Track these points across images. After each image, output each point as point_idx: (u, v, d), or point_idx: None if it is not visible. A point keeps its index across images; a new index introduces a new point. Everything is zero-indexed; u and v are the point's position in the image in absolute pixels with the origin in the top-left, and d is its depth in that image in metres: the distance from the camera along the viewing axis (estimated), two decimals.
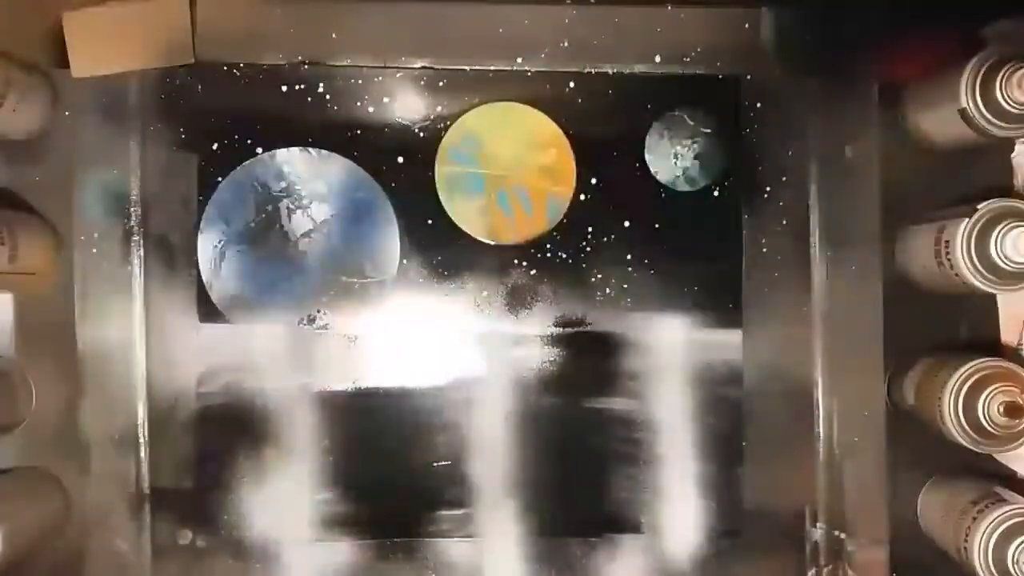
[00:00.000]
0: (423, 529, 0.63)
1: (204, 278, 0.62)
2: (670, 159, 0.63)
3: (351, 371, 0.63)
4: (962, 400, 0.55)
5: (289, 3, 0.62)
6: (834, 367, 0.63)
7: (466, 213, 0.63)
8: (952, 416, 0.55)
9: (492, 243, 0.63)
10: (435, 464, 0.62)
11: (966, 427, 0.55)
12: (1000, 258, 0.54)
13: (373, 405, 0.63)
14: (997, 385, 0.54)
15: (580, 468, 0.63)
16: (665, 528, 0.63)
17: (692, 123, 0.63)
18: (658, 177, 0.63)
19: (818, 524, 0.62)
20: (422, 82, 0.63)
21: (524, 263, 0.63)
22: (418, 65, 0.63)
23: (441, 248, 0.63)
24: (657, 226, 0.63)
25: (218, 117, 0.62)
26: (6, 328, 0.61)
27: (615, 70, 0.63)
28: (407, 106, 0.63)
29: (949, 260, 0.56)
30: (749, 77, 0.63)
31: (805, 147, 0.63)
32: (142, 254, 0.62)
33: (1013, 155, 0.62)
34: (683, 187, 0.63)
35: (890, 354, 0.62)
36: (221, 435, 0.62)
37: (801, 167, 0.63)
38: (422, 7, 0.62)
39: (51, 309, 0.61)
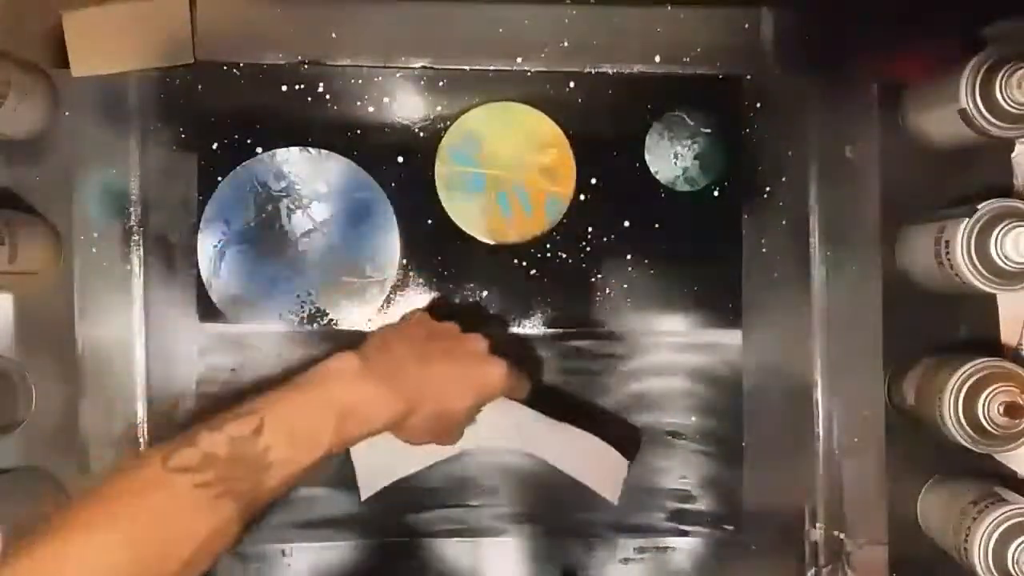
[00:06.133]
0: (423, 529, 0.63)
1: (204, 278, 0.62)
2: (670, 159, 0.63)
3: None
4: (962, 400, 0.55)
5: (289, 3, 0.62)
6: (834, 367, 0.63)
7: (466, 213, 0.63)
8: (952, 416, 0.55)
9: (492, 243, 0.63)
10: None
11: (966, 427, 0.55)
12: (1000, 258, 0.54)
13: None
14: (997, 385, 0.54)
15: None
16: (665, 528, 0.63)
17: (692, 123, 0.63)
18: (658, 177, 0.63)
19: (818, 524, 0.62)
20: (422, 82, 0.63)
21: (524, 263, 0.63)
22: (418, 65, 0.63)
23: (441, 248, 0.63)
24: (657, 226, 0.63)
25: (218, 117, 0.62)
26: (6, 328, 0.61)
27: (615, 70, 0.63)
28: (407, 106, 0.63)
29: (949, 260, 0.56)
30: (749, 77, 0.63)
31: (805, 147, 0.63)
32: (142, 254, 0.62)
33: (1013, 155, 0.62)
34: (683, 187, 0.63)
35: (890, 354, 0.62)
36: None
37: (801, 167, 0.63)
38: (422, 7, 0.62)
39: (51, 309, 0.61)
